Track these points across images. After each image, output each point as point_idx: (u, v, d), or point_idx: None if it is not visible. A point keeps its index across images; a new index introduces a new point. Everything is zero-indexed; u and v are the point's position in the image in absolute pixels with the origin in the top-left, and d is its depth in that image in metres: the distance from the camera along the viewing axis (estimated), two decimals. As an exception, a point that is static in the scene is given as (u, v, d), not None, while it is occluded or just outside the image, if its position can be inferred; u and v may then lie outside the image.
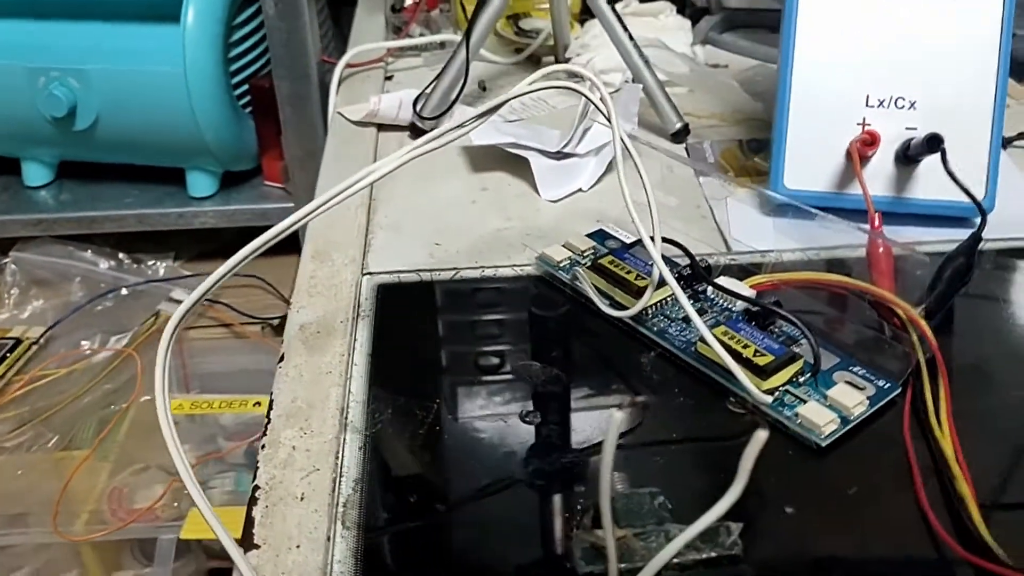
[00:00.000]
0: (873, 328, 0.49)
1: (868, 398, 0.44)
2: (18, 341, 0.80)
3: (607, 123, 0.46)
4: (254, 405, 0.77)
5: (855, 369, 0.46)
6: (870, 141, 0.56)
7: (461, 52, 0.71)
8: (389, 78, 0.85)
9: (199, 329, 0.85)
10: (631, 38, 0.70)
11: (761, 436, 0.27)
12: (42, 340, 0.82)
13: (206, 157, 0.85)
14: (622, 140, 0.46)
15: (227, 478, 0.74)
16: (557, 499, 0.41)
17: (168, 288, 0.86)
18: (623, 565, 0.30)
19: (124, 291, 0.86)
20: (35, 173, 0.90)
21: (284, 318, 0.88)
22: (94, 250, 0.88)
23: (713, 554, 0.31)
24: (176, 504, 0.68)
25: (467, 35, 0.70)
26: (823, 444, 0.42)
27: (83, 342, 0.82)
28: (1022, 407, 0.46)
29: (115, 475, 0.73)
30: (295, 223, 0.44)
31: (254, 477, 0.42)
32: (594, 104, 0.47)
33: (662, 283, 0.48)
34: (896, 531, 0.39)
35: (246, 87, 0.84)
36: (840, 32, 0.58)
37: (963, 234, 0.56)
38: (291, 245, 0.92)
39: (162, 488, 0.72)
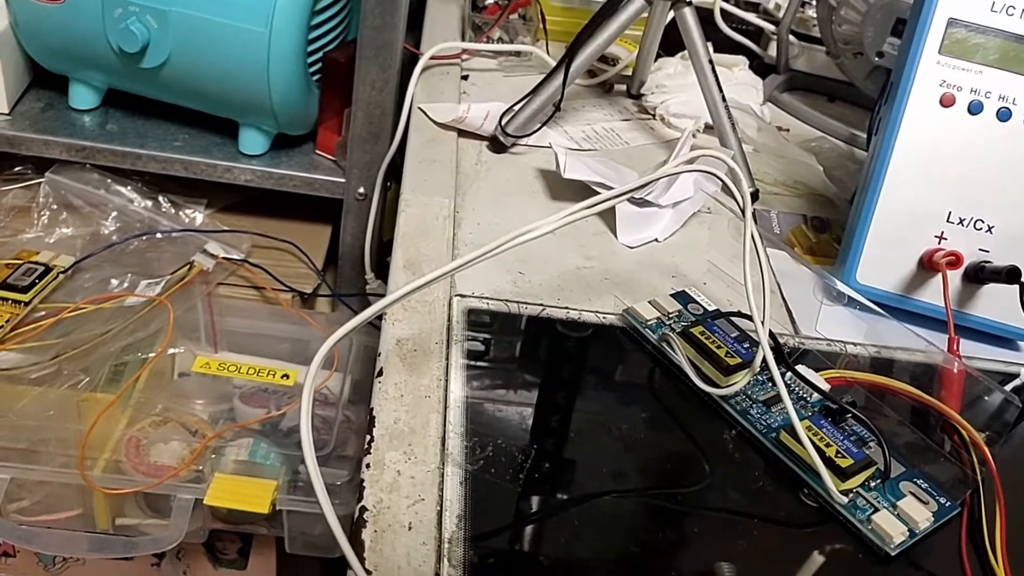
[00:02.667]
0: (936, 443, 0.52)
1: (933, 514, 0.47)
2: (47, 268, 0.79)
3: (740, 216, 0.48)
4: (282, 377, 0.78)
5: (919, 482, 0.49)
6: (955, 262, 0.59)
7: (557, 78, 0.72)
8: (465, 77, 0.85)
9: (231, 287, 0.85)
10: (724, 99, 0.72)
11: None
12: (70, 270, 0.81)
13: (267, 117, 0.84)
14: (752, 233, 0.48)
15: (241, 445, 0.75)
16: (662, 568, 0.43)
17: (203, 239, 0.86)
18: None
19: (159, 235, 0.85)
20: (83, 96, 0.88)
21: (316, 289, 0.88)
22: (133, 187, 0.87)
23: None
24: (200, 468, 0.69)
25: (568, 61, 0.71)
26: (892, 554, 0.45)
27: (112, 280, 0.81)
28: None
29: (132, 424, 0.73)
30: (445, 273, 0.45)
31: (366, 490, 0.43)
32: (736, 199, 0.49)
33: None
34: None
35: (319, 55, 0.84)
36: (937, 148, 0.61)
37: (1010, 355, 0.61)
38: (324, 214, 0.93)
39: (178, 443, 0.73)
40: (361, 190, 0.86)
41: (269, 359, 0.82)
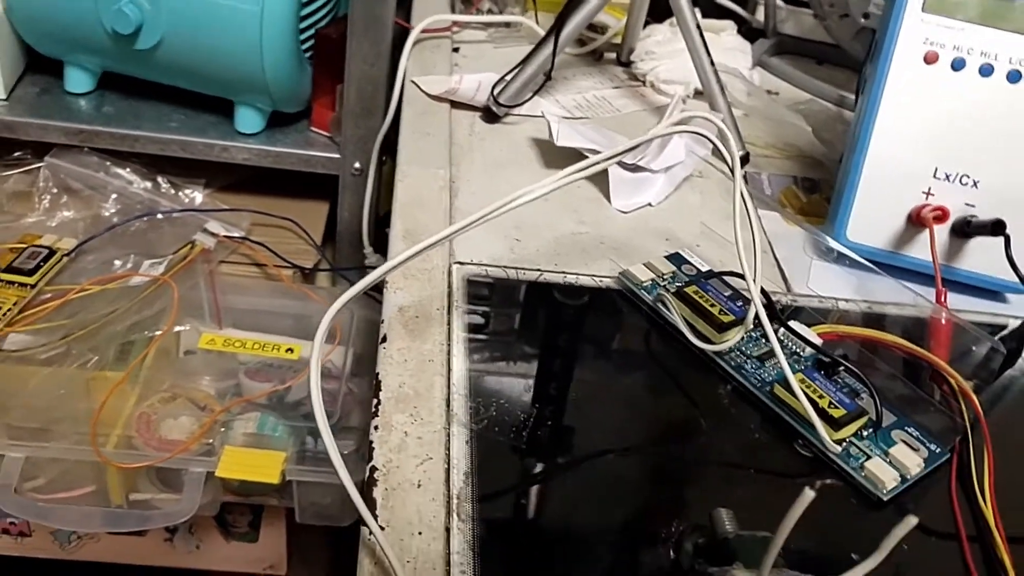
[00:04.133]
0: (926, 392, 0.54)
1: (923, 460, 0.49)
2: (51, 251, 0.81)
3: (731, 177, 0.49)
4: (287, 351, 0.79)
5: (910, 430, 0.51)
6: (941, 216, 0.60)
7: (547, 46, 0.73)
8: (456, 50, 0.86)
9: (233, 265, 0.86)
10: (712, 63, 0.73)
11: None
12: (73, 253, 0.82)
13: (262, 96, 0.85)
14: (742, 191, 0.50)
15: (249, 419, 0.76)
16: (663, 520, 0.44)
17: (203, 219, 0.87)
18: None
19: (159, 216, 0.86)
20: (78, 80, 0.89)
21: (316, 265, 0.90)
22: (132, 168, 0.87)
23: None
24: (210, 441, 0.71)
25: (557, 31, 0.72)
26: (885, 499, 0.47)
27: (116, 261, 0.82)
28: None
29: (142, 401, 0.75)
30: (444, 237, 0.47)
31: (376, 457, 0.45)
32: (727, 160, 0.50)
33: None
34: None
35: (311, 32, 0.84)
36: (922, 105, 0.62)
37: (995, 306, 0.62)
38: (322, 191, 0.94)
39: (187, 418, 0.74)
40: (357, 165, 0.87)
41: (273, 335, 0.83)
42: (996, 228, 0.59)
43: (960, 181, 0.62)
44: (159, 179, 0.88)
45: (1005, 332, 0.56)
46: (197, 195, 0.89)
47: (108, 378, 0.74)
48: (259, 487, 0.76)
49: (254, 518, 0.84)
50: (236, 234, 0.87)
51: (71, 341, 0.76)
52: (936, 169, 0.63)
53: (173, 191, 0.89)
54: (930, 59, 0.62)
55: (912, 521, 0.32)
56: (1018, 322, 0.60)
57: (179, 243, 0.85)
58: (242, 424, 0.76)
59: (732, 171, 0.50)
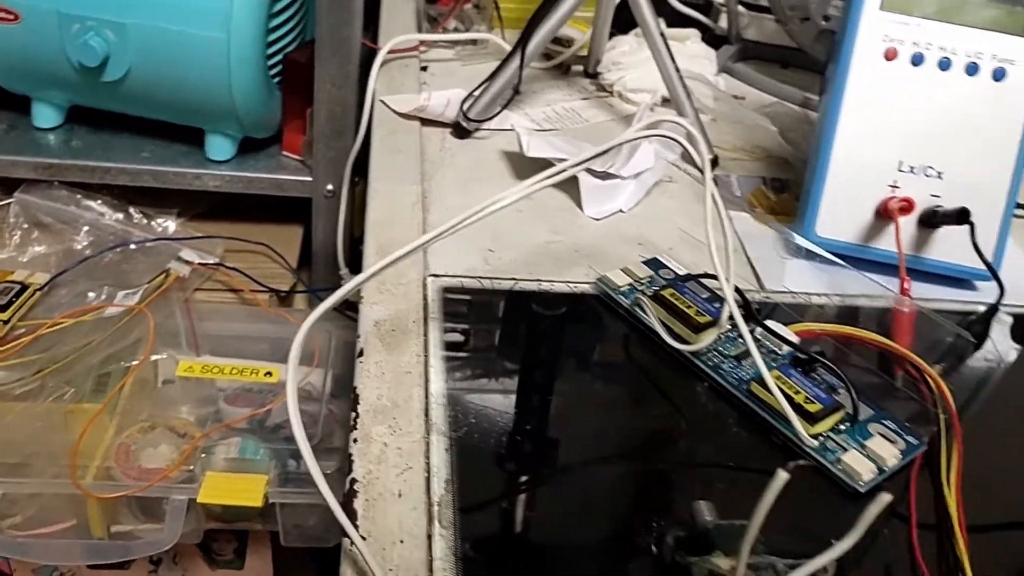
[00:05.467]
0: (903, 386, 0.54)
1: (900, 451, 0.49)
2: (24, 286, 0.80)
3: (700, 180, 0.50)
4: (265, 375, 0.79)
5: (887, 422, 0.51)
6: (907, 207, 0.61)
7: (514, 61, 0.73)
8: (424, 68, 0.87)
9: (208, 292, 0.86)
10: (677, 70, 0.74)
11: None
12: (46, 287, 0.81)
13: (231, 123, 0.85)
14: (712, 193, 0.50)
15: (231, 444, 0.76)
16: (646, 495, 0.45)
17: (177, 247, 0.86)
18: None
19: (132, 246, 0.86)
20: (45, 115, 0.88)
21: (292, 288, 0.89)
22: (103, 200, 0.87)
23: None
24: (192, 469, 0.70)
25: (523, 45, 0.73)
26: (862, 491, 0.47)
27: (89, 293, 0.82)
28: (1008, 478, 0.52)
29: (121, 431, 0.74)
30: (415, 248, 0.47)
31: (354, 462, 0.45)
32: (696, 161, 0.50)
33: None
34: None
35: (279, 58, 0.85)
36: (883, 101, 0.63)
37: (962, 294, 0.63)
38: (296, 215, 0.94)
39: (167, 447, 0.74)
40: (329, 187, 0.87)
41: (251, 359, 0.83)
42: (961, 217, 0.60)
43: (925, 173, 0.63)
44: (131, 210, 0.88)
45: (972, 318, 0.57)
46: (170, 224, 0.89)
47: (86, 410, 0.74)
48: (242, 511, 0.75)
49: (239, 545, 0.83)
50: (210, 261, 0.87)
51: (47, 375, 0.75)
52: (901, 162, 0.63)
53: (145, 221, 0.88)
54: (890, 56, 0.63)
55: (886, 498, 0.33)
56: (985, 308, 0.60)
57: (153, 272, 0.84)
58: (223, 450, 0.76)
59: (703, 173, 0.50)
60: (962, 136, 0.63)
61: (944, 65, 0.63)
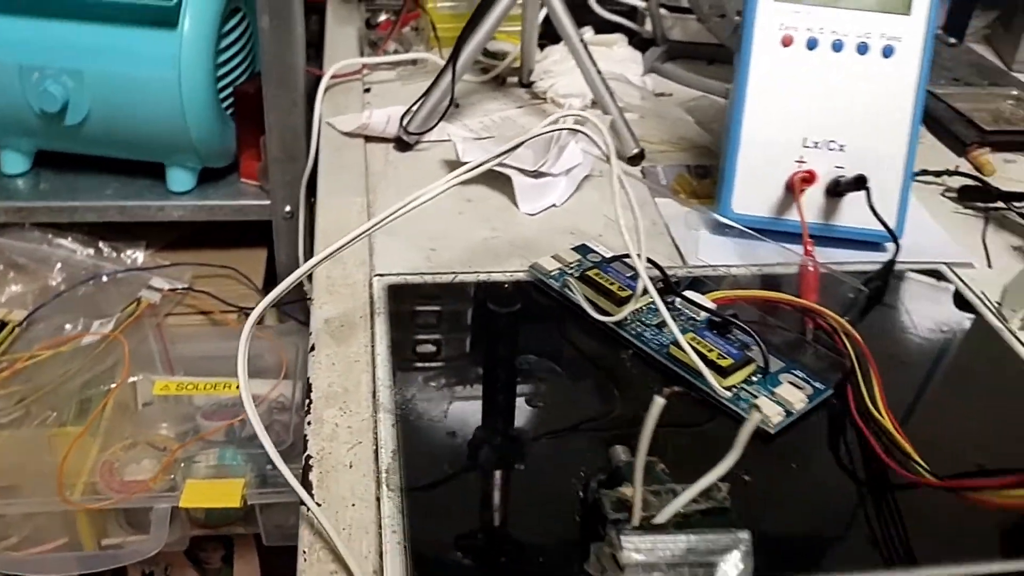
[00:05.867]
0: (810, 339, 0.59)
1: (808, 396, 0.54)
2: (2, 324, 0.84)
3: (590, 151, 0.55)
4: (237, 387, 0.83)
5: (796, 372, 0.56)
6: (809, 179, 0.66)
7: (447, 75, 0.78)
8: (367, 90, 0.92)
9: (179, 316, 0.90)
10: (598, 71, 0.79)
11: (659, 402, 0.36)
12: (24, 323, 0.86)
13: (189, 155, 0.90)
14: (619, 176, 0.55)
15: (210, 454, 0.80)
16: (573, 454, 0.49)
17: (147, 276, 0.91)
18: (643, 513, 0.39)
19: (104, 278, 0.90)
20: (13, 161, 0.93)
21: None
22: (74, 237, 0.92)
23: (708, 505, 0.40)
24: (172, 477, 0.74)
25: (453, 60, 0.78)
26: (773, 432, 0.52)
27: (66, 326, 0.86)
28: (929, 390, 0.57)
29: (104, 451, 0.78)
30: (362, 234, 0.52)
31: (309, 452, 0.49)
32: (599, 147, 0.55)
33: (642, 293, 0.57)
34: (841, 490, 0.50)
35: (230, 90, 0.90)
36: (784, 84, 0.69)
37: (874, 256, 0.68)
38: (259, 238, 0.99)
39: (150, 462, 0.78)
40: (287, 209, 0.92)
41: (225, 377, 0.88)
42: (859, 183, 0.65)
43: (828, 147, 0.69)
44: (100, 245, 0.93)
45: (871, 273, 0.62)
46: (139, 255, 0.94)
47: (69, 433, 0.78)
48: (224, 515, 0.80)
49: (226, 552, 0.88)
50: (180, 286, 0.91)
51: (30, 403, 0.80)
52: (805, 139, 0.69)
53: (115, 254, 0.93)
54: (787, 42, 0.69)
55: (756, 418, 0.38)
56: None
57: (125, 301, 0.89)
58: (204, 460, 0.80)
59: (608, 161, 0.56)
60: (859, 111, 0.69)
61: (837, 47, 0.68)
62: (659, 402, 0.36)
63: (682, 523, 0.40)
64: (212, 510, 0.79)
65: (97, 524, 0.78)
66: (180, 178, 0.93)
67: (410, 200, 0.52)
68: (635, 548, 0.38)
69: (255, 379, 0.87)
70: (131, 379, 0.83)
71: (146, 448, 0.80)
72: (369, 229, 0.52)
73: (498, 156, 0.55)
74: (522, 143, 0.54)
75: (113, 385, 0.82)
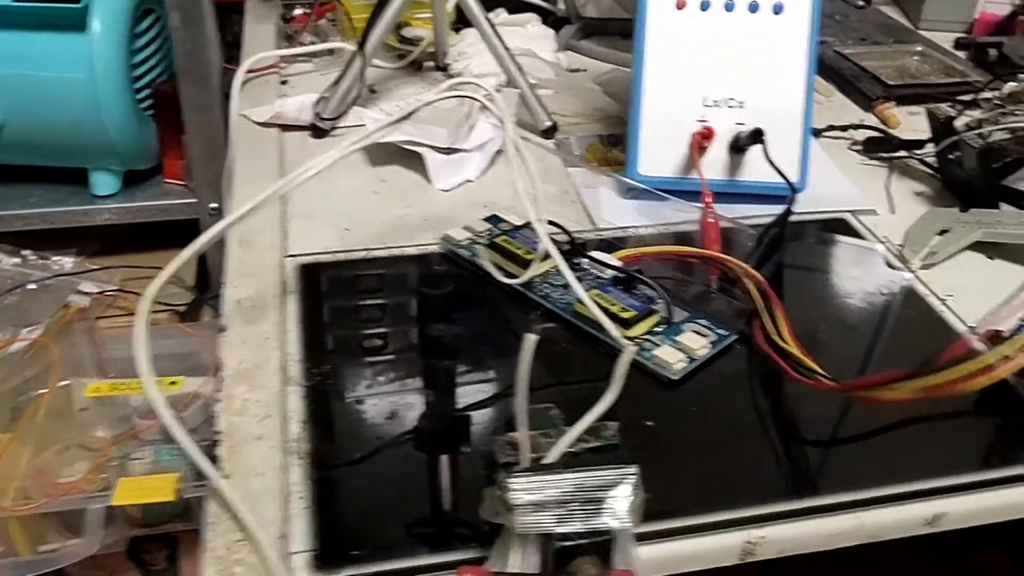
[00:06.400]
0: (714, 289, 0.61)
1: (711, 343, 0.56)
2: (-69, 336, 0.84)
3: (500, 126, 0.56)
4: (170, 384, 0.83)
5: (701, 321, 0.58)
6: (707, 135, 0.68)
7: (357, 60, 0.79)
8: (284, 83, 0.92)
9: (110, 319, 0.90)
10: (505, 47, 0.80)
11: (531, 338, 0.37)
12: (-48, 335, 0.86)
13: (111, 158, 0.90)
14: (514, 141, 0.56)
15: (146, 451, 0.80)
16: (467, 416, 0.51)
17: (75, 282, 0.91)
18: (533, 455, 0.40)
19: (32, 286, 0.90)
20: (-66, 175, 0.93)
21: (191, 304, 0.94)
22: (-1, 248, 0.92)
23: (598, 444, 0.41)
24: (104, 476, 0.74)
25: (362, 45, 0.79)
26: (674, 378, 0.53)
27: (-5, 335, 0.86)
28: (826, 326, 0.59)
29: (36, 456, 0.78)
30: (243, 214, 0.52)
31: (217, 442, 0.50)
32: (492, 111, 0.57)
33: (547, 257, 0.58)
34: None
35: (148, 91, 0.90)
36: (682, 45, 0.70)
37: (781, 209, 0.69)
38: (189, 237, 0.99)
39: (83, 464, 0.78)
40: (213, 205, 0.92)
41: (160, 375, 0.88)
42: (755, 136, 0.67)
43: (728, 105, 0.70)
44: (25, 253, 0.93)
45: (769, 221, 0.64)
46: (66, 262, 0.94)
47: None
48: (160, 512, 0.80)
49: (170, 552, 0.88)
50: (110, 288, 0.91)
51: (-42, 413, 0.79)
52: (705, 98, 0.70)
53: (42, 261, 0.93)
54: (680, 5, 0.70)
55: (631, 351, 0.39)
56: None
57: (55, 307, 0.89)
58: (140, 459, 0.80)
59: (502, 123, 0.57)
60: (755, 68, 0.70)
61: (729, 7, 0.70)
62: (531, 339, 0.37)
63: (572, 463, 0.41)
64: (149, 508, 0.79)
65: (32, 530, 0.78)
66: (104, 182, 0.93)
67: (302, 170, 0.53)
68: (523, 488, 0.39)
69: (193, 376, 0.87)
70: (62, 383, 0.83)
71: (80, 451, 0.80)
72: (259, 202, 0.53)
73: (387, 125, 0.56)
74: (414, 112, 0.55)
75: (44, 391, 0.82)
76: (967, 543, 0.81)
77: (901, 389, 0.46)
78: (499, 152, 0.77)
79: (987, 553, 0.82)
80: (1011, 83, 0.78)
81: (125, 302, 0.91)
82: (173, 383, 0.84)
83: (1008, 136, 0.73)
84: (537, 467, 0.40)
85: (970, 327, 0.59)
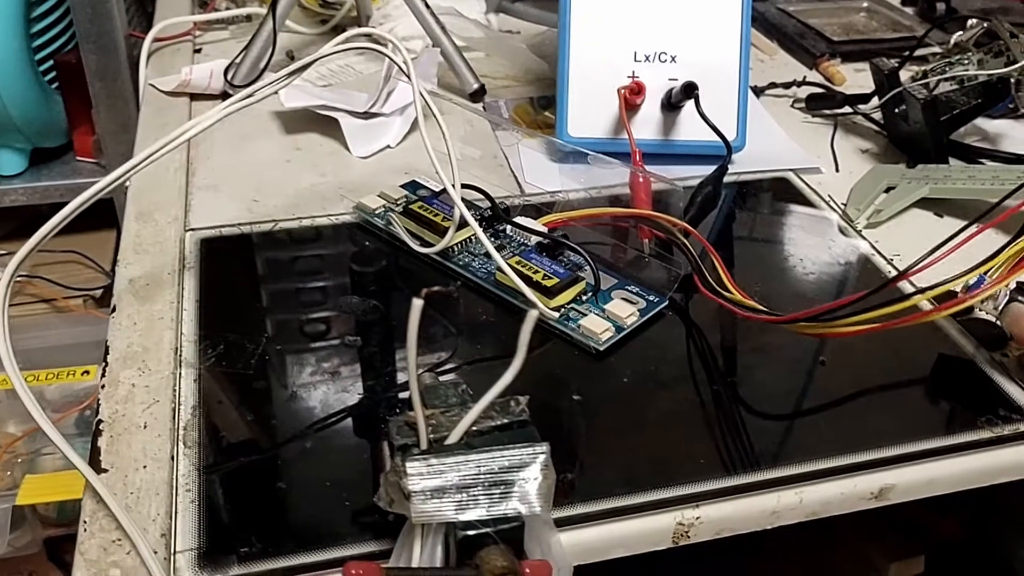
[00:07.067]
0: (647, 255, 0.57)
1: (639, 310, 0.52)
2: None
3: (408, 82, 0.51)
4: (83, 374, 0.78)
5: (630, 288, 0.54)
6: (636, 90, 0.64)
7: (268, 23, 0.74)
8: (198, 51, 0.87)
9: (19, 306, 0.85)
10: (427, 6, 0.76)
11: (418, 303, 0.33)
12: None
13: (14, 135, 0.84)
14: (423, 97, 0.52)
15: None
16: (374, 397, 0.46)
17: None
18: (433, 435, 0.36)
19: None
20: None
21: (106, 288, 0.89)
22: None
23: (505, 420, 0.37)
24: (9, 473, 0.70)
25: (272, 6, 0.74)
26: (601, 349, 0.50)
27: None
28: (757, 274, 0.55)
29: (-62, 455, 0.73)
30: (114, 181, 0.48)
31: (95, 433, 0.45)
32: (396, 64, 0.52)
33: (466, 224, 0.54)
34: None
35: (51, 63, 0.84)
36: (607, 1, 0.66)
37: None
38: (108, 219, 0.93)
39: (-11, 462, 0.73)
40: (128, 184, 0.87)
41: (75, 365, 0.83)
42: (688, 90, 0.63)
43: (660, 59, 0.66)
44: (-75, 238, 0.87)
45: (703, 179, 0.60)
46: (-31, 247, 0.88)
47: None
48: (75, 509, 0.75)
49: (91, 550, 0.83)
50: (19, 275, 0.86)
51: None
52: (636, 53, 0.66)
53: (-56, 247, 0.87)
54: (608, -46, 0.66)
55: (534, 315, 0.35)
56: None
57: (-42, 296, 0.83)
58: (51, 454, 0.75)
59: (409, 79, 0.52)
60: (688, 19, 0.66)
61: (657, -41, 0.66)
62: (417, 303, 0.33)
63: (476, 443, 0.37)
64: (63, 506, 0.74)
65: (-63, 532, 0.73)
66: (8, 161, 0.87)
67: (183, 131, 0.49)
68: (419, 473, 0.35)
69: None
70: (-36, 376, 0.78)
71: (-16, 447, 0.75)
72: (122, 177, 0.49)
73: (274, 81, 0.51)
74: (307, 65, 0.51)
75: (-56, 384, 0.76)
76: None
77: (842, 324, 0.44)
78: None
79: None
80: (958, 32, 0.75)
81: (35, 288, 0.86)
82: (86, 372, 0.79)
83: (955, 87, 0.70)
84: (436, 449, 0.36)
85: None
